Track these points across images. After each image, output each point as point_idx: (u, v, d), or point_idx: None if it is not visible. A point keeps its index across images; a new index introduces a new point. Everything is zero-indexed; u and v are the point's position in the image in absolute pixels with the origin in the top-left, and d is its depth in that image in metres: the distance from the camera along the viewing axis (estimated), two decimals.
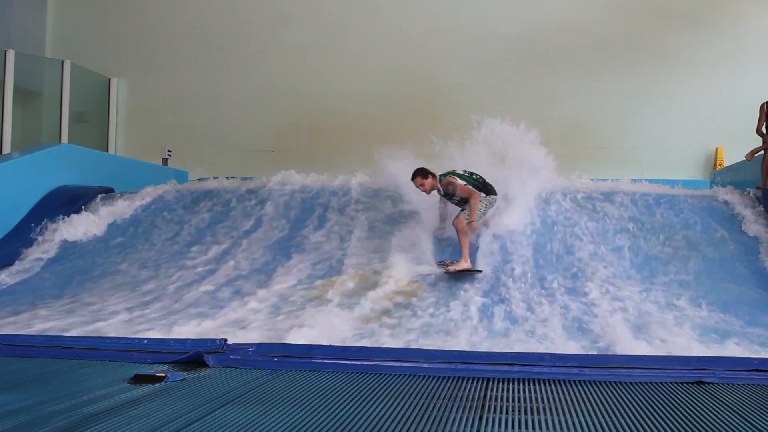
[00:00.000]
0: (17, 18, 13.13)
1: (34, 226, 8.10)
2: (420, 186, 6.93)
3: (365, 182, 8.52)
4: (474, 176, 6.93)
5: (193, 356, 4.01)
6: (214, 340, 4.26)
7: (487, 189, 6.92)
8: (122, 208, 8.52)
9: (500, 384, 3.57)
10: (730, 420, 2.89)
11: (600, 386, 3.53)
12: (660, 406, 3.11)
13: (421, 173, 6.93)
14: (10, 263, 7.51)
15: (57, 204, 8.56)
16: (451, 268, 6.47)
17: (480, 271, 6.53)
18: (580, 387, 3.51)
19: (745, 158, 8.96)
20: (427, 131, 12.85)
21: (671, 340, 5.04)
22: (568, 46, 12.65)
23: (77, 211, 8.39)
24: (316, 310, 5.75)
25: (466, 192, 6.76)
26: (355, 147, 12.47)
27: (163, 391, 3.33)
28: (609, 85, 12.58)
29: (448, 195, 6.92)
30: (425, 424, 2.80)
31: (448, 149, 7.83)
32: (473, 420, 2.88)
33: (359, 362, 3.98)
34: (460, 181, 6.78)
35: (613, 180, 8.83)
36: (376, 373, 3.78)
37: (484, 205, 6.85)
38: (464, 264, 6.49)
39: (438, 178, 6.94)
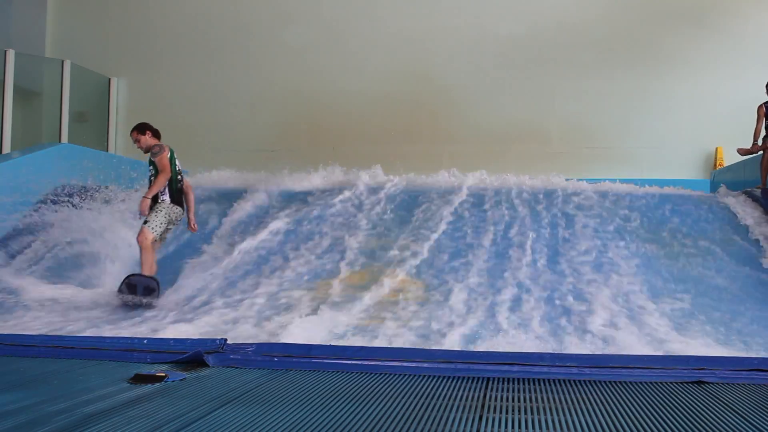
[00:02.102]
0: (17, 18, 13.12)
1: (34, 225, 8.09)
2: (136, 141, 6.53)
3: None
4: (179, 177, 6.48)
5: (193, 356, 4.01)
6: (213, 340, 4.27)
7: (177, 198, 6.42)
8: (123, 207, 8.51)
9: (500, 384, 3.57)
10: (730, 420, 2.89)
11: (600, 386, 3.53)
12: (660, 406, 3.11)
13: (137, 128, 6.55)
14: (10, 263, 7.50)
15: (57, 204, 8.54)
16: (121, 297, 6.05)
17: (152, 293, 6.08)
18: (580, 387, 3.51)
19: (737, 152, 8.93)
20: (427, 131, 12.93)
21: (670, 340, 5.04)
22: (568, 46, 12.64)
23: (77, 211, 8.37)
24: (316, 310, 5.75)
25: (161, 164, 6.23)
26: (356, 146, 12.51)
27: (163, 391, 3.33)
28: (609, 84, 12.57)
29: (151, 161, 6.40)
30: (425, 424, 2.80)
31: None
32: (473, 420, 2.88)
33: (359, 362, 3.98)
34: (166, 153, 6.32)
35: (614, 181, 8.83)
36: (376, 373, 3.78)
37: (165, 212, 6.30)
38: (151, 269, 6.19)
39: (159, 145, 6.43)
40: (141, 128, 6.56)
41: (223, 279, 6.80)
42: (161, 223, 6.29)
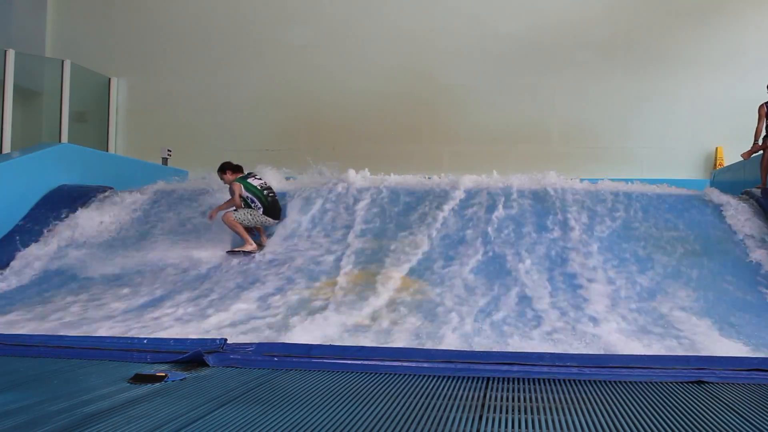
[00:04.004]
0: (17, 18, 13.13)
1: (34, 225, 8.10)
2: (222, 179, 7.81)
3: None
4: (265, 191, 7.65)
5: (193, 356, 4.01)
6: (213, 340, 4.27)
7: (271, 211, 7.61)
8: (123, 207, 8.52)
9: (500, 384, 3.57)
10: (730, 420, 2.89)
11: (600, 386, 3.53)
12: (660, 406, 3.11)
13: (220, 168, 7.80)
14: (11, 262, 7.51)
15: (57, 203, 8.56)
16: (237, 249, 7.37)
17: (256, 252, 7.31)
18: (579, 387, 3.51)
19: (741, 158, 8.97)
20: (427, 130, 12.94)
21: (669, 340, 5.05)
22: (568, 46, 12.65)
23: (77, 211, 8.39)
24: (316, 310, 5.75)
25: (233, 192, 7.53)
26: (356, 146, 12.52)
27: (163, 390, 3.34)
28: (609, 84, 12.58)
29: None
30: (425, 424, 2.80)
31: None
32: (473, 420, 2.88)
33: (359, 362, 3.98)
34: (237, 186, 7.53)
35: (618, 180, 8.81)
36: (376, 373, 3.79)
37: (253, 218, 7.50)
38: (249, 247, 7.36)
39: (237, 178, 7.67)
40: (222, 168, 7.80)
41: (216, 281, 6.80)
42: (246, 220, 7.49)
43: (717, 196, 7.94)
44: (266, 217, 7.60)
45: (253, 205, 7.54)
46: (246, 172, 7.84)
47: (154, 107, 13.63)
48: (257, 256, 7.29)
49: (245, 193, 7.54)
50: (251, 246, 7.38)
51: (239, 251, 7.35)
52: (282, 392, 3.32)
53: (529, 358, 4.00)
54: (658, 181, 8.86)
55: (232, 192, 7.58)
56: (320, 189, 8.31)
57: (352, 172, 8.53)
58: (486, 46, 12.86)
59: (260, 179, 7.81)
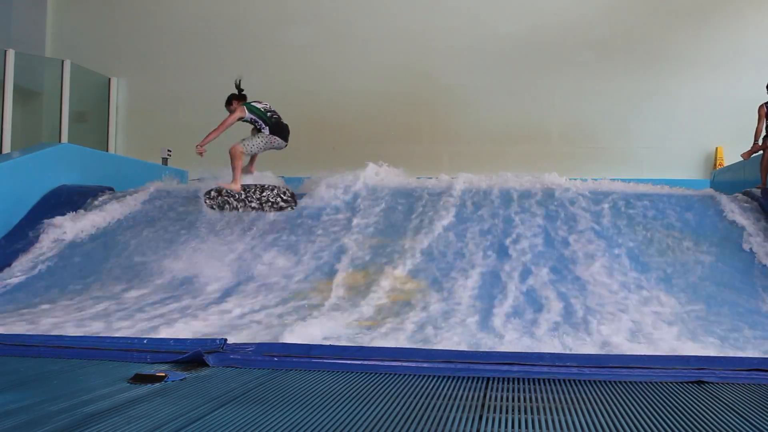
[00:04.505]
0: (17, 18, 13.13)
1: (34, 225, 8.09)
2: (230, 111, 7.90)
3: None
4: (269, 113, 7.77)
5: (193, 356, 4.01)
6: (214, 340, 4.26)
7: (277, 130, 7.71)
8: (123, 207, 8.52)
9: (500, 384, 3.57)
10: (730, 420, 2.89)
11: (600, 386, 3.53)
12: (660, 406, 3.11)
13: (227, 102, 8.00)
14: (11, 263, 7.51)
15: (57, 203, 8.56)
16: (221, 183, 7.60)
17: (241, 193, 7.57)
18: (579, 387, 3.51)
19: (741, 158, 8.98)
20: (427, 130, 12.94)
21: (669, 340, 5.04)
22: (568, 46, 12.65)
23: (77, 211, 8.39)
24: (316, 309, 5.75)
25: (223, 124, 7.69)
26: (356, 146, 12.51)
27: (163, 390, 3.33)
28: (609, 84, 12.58)
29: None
30: (425, 424, 2.80)
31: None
32: (473, 420, 2.88)
33: (359, 362, 3.98)
34: (241, 109, 7.70)
35: (615, 180, 8.81)
36: (376, 373, 3.79)
37: (263, 141, 7.68)
38: (234, 186, 7.59)
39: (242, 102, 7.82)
40: (228, 101, 8.02)
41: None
42: (256, 145, 7.72)
43: (720, 196, 7.94)
44: (274, 136, 7.74)
45: (258, 125, 7.73)
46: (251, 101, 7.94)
47: (154, 107, 13.63)
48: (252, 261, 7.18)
49: (249, 115, 7.69)
50: (236, 186, 7.58)
51: (223, 186, 7.58)
52: (282, 392, 3.32)
53: (529, 358, 4.00)
54: (658, 181, 8.86)
55: (231, 112, 7.74)
56: (321, 188, 8.29)
57: (372, 166, 8.55)
58: (486, 46, 12.87)
59: (265, 103, 7.96)
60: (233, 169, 7.65)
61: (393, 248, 7.04)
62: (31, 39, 13.36)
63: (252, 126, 7.89)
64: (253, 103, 7.84)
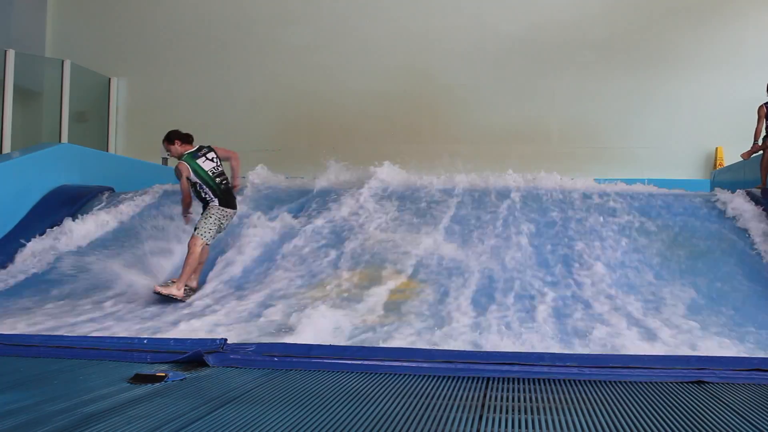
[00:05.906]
0: (17, 18, 13.13)
1: (34, 226, 8.10)
2: (167, 152, 6.51)
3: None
4: (218, 179, 6.31)
5: (193, 356, 4.01)
6: (214, 340, 4.26)
7: (225, 200, 6.30)
8: (123, 207, 8.53)
9: (500, 384, 3.57)
10: (730, 420, 2.89)
11: (600, 386, 3.53)
12: (660, 406, 3.11)
13: (167, 138, 6.46)
14: (11, 263, 7.51)
15: (57, 204, 8.56)
16: (160, 289, 6.01)
17: (182, 301, 6.08)
18: (580, 387, 3.51)
19: (741, 158, 8.98)
20: (427, 130, 12.93)
21: (669, 340, 5.04)
22: (568, 46, 12.65)
23: (77, 211, 8.40)
24: (316, 309, 5.74)
25: (183, 190, 6.29)
26: (356, 146, 12.51)
27: (163, 390, 3.33)
28: (609, 84, 12.58)
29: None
30: (425, 424, 2.80)
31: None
32: (473, 420, 2.88)
33: (359, 362, 3.98)
34: (184, 168, 6.23)
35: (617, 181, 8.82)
36: (376, 373, 3.78)
37: (215, 218, 6.22)
38: (174, 291, 6.05)
39: (185, 155, 6.31)
40: (169, 138, 6.50)
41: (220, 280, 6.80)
42: (211, 229, 6.25)
43: (721, 196, 7.94)
44: (224, 209, 6.29)
45: (205, 195, 6.26)
46: (198, 146, 6.48)
47: (154, 107, 13.63)
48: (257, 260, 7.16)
49: (193, 178, 6.25)
50: (179, 293, 6.09)
51: (167, 294, 6.03)
52: (282, 392, 3.32)
53: (528, 358, 4.00)
54: (658, 182, 8.86)
55: (178, 175, 6.26)
56: (321, 188, 8.30)
57: (387, 164, 8.52)
58: (486, 46, 12.87)
59: (213, 160, 6.40)
60: (186, 269, 6.15)
61: (393, 248, 7.04)
62: (31, 39, 13.38)
63: (193, 189, 6.39)
64: (198, 161, 6.35)
